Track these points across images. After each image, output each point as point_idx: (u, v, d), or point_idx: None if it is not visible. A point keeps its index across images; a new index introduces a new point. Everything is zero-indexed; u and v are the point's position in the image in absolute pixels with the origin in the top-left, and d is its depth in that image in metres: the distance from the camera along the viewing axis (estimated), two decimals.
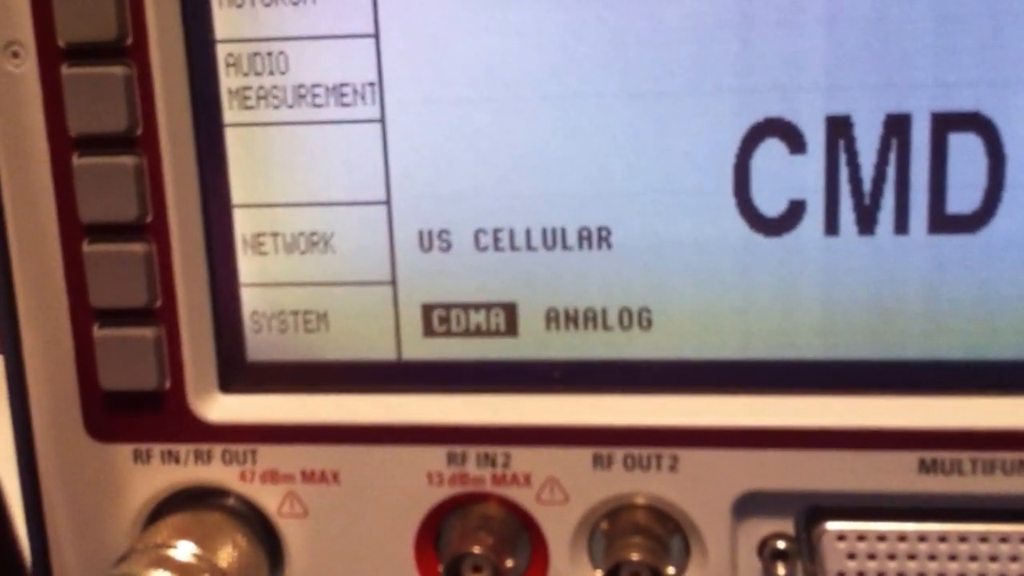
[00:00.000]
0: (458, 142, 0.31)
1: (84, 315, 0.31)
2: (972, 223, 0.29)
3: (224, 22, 0.31)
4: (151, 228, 0.31)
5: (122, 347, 0.31)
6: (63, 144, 0.30)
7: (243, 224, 0.32)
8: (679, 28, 0.29)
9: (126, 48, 0.30)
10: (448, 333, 0.32)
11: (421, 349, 0.32)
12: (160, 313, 0.31)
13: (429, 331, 0.32)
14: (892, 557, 0.30)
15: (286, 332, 0.33)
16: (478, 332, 0.32)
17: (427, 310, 0.32)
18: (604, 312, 0.31)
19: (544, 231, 0.31)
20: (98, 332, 0.31)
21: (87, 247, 0.31)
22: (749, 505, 0.31)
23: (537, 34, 0.30)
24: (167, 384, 0.32)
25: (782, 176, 0.30)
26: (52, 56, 0.30)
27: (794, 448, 0.30)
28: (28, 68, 0.30)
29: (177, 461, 0.32)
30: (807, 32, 0.29)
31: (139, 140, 0.30)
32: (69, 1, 0.29)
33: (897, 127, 0.29)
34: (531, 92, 0.30)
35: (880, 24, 0.29)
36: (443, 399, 0.32)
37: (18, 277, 0.31)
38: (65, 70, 0.30)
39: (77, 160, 0.30)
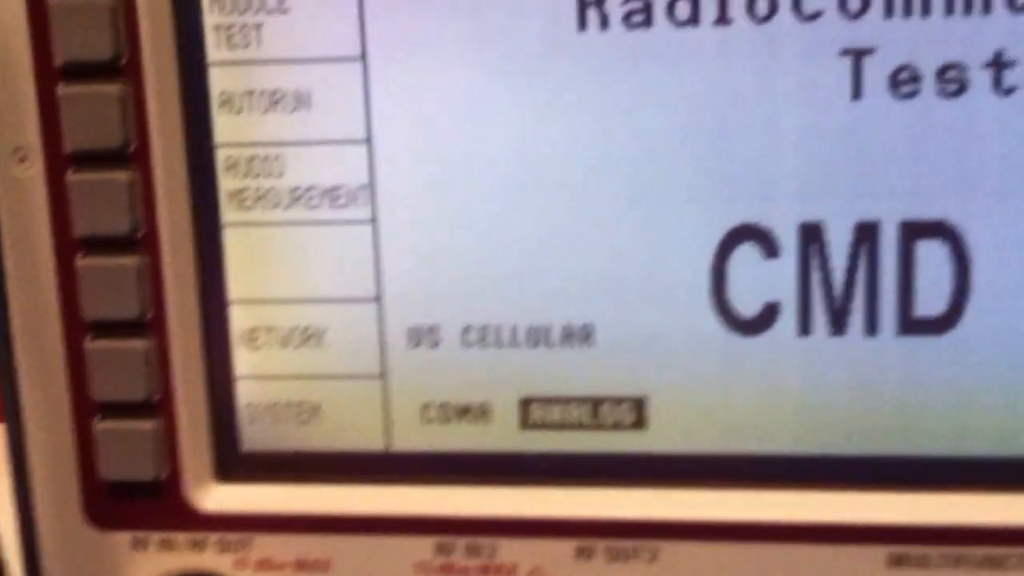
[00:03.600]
0: (447, 243, 0.32)
1: (86, 408, 0.32)
2: (940, 326, 0.31)
3: (224, 127, 0.32)
4: (151, 324, 0.32)
5: (121, 439, 0.32)
6: (68, 245, 0.32)
7: (239, 319, 0.33)
8: (660, 137, 0.31)
9: (130, 155, 0.31)
10: (437, 425, 0.33)
11: (411, 441, 0.33)
12: (159, 406, 0.32)
13: (419, 423, 0.33)
14: None
15: (279, 423, 0.34)
16: (466, 425, 0.33)
17: (417, 403, 0.33)
18: (588, 407, 0.32)
19: (529, 328, 0.32)
20: (99, 425, 0.32)
21: (90, 343, 0.32)
22: None
23: (523, 142, 0.31)
24: (164, 474, 0.33)
25: (757, 279, 0.31)
26: (58, 161, 0.31)
27: (769, 541, 0.31)
28: (35, 172, 0.32)
29: (173, 548, 0.33)
30: (782, 143, 0.30)
31: (141, 241, 0.32)
32: (75, 109, 0.31)
33: (866, 234, 0.31)
34: (516, 196, 0.32)
35: (851, 137, 0.30)
36: (432, 490, 0.33)
37: (22, 372, 0.33)
38: (71, 175, 0.31)
39: (81, 261, 0.32)
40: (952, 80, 0.29)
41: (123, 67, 0.31)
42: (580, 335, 0.32)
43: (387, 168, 0.32)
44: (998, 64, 0.29)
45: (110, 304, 0.32)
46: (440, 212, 0.32)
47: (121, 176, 0.31)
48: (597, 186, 0.31)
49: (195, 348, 0.33)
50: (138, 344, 0.32)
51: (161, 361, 0.32)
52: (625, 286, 0.32)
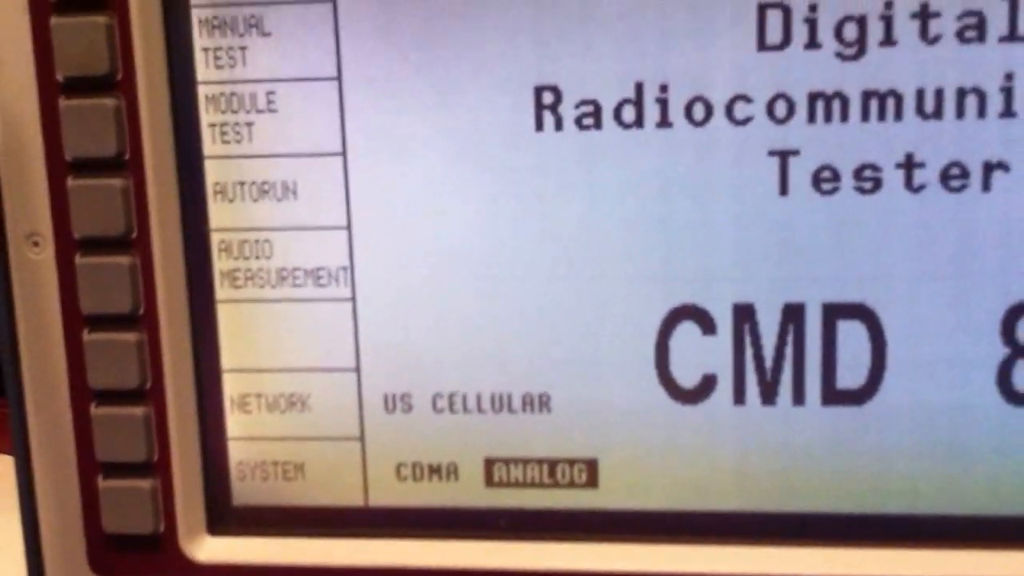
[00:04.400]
0: (418, 319, 0.35)
1: (90, 468, 0.36)
2: (859, 397, 0.34)
3: (218, 214, 0.36)
4: (151, 392, 0.35)
5: (123, 496, 0.35)
6: (75, 321, 0.35)
7: (231, 386, 0.37)
8: (609, 226, 0.34)
9: (132, 240, 0.34)
10: (410, 483, 0.36)
11: (387, 497, 0.37)
12: (157, 466, 0.36)
13: (394, 481, 0.36)
14: None
15: (267, 480, 0.37)
16: (436, 483, 0.36)
17: (392, 463, 0.36)
18: (546, 467, 0.36)
19: (492, 396, 0.36)
20: (102, 483, 0.36)
21: (95, 410, 0.35)
22: None
23: (487, 227, 0.35)
24: (161, 528, 0.36)
25: (696, 354, 0.34)
26: (67, 246, 0.34)
27: None
28: (46, 256, 0.35)
29: None
30: (717, 233, 0.34)
31: (141, 318, 0.35)
32: (83, 200, 0.34)
33: (793, 315, 0.34)
34: (481, 276, 0.35)
35: (779, 228, 0.33)
36: (405, 544, 0.36)
37: (33, 434, 0.36)
38: (79, 259, 0.34)
39: (87, 336, 0.35)
40: (868, 179, 0.33)
41: (126, 161, 0.34)
42: (538, 402, 0.35)
43: (365, 252, 0.35)
44: (909, 165, 0.33)
45: (113, 374, 0.35)
46: (412, 291, 0.35)
47: (124, 260, 0.34)
48: (553, 270, 0.34)
49: (191, 413, 0.36)
50: (139, 410, 0.35)
51: (160, 425, 0.35)
52: (579, 359, 0.35)
